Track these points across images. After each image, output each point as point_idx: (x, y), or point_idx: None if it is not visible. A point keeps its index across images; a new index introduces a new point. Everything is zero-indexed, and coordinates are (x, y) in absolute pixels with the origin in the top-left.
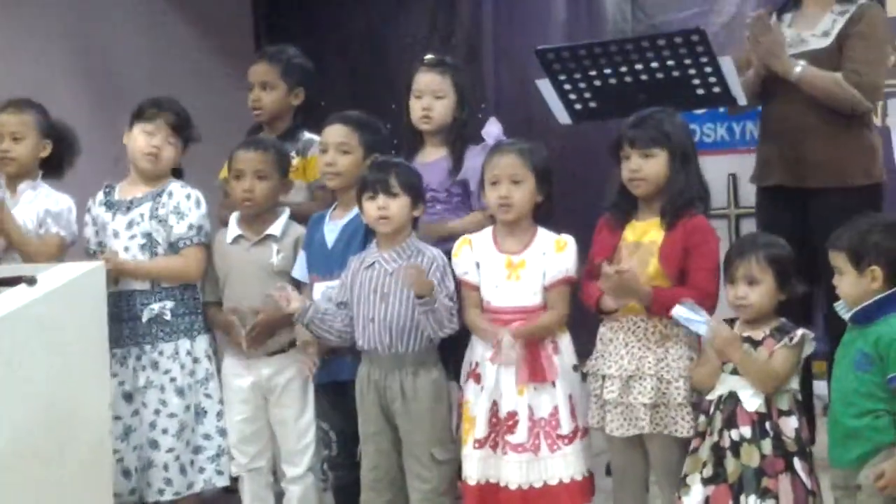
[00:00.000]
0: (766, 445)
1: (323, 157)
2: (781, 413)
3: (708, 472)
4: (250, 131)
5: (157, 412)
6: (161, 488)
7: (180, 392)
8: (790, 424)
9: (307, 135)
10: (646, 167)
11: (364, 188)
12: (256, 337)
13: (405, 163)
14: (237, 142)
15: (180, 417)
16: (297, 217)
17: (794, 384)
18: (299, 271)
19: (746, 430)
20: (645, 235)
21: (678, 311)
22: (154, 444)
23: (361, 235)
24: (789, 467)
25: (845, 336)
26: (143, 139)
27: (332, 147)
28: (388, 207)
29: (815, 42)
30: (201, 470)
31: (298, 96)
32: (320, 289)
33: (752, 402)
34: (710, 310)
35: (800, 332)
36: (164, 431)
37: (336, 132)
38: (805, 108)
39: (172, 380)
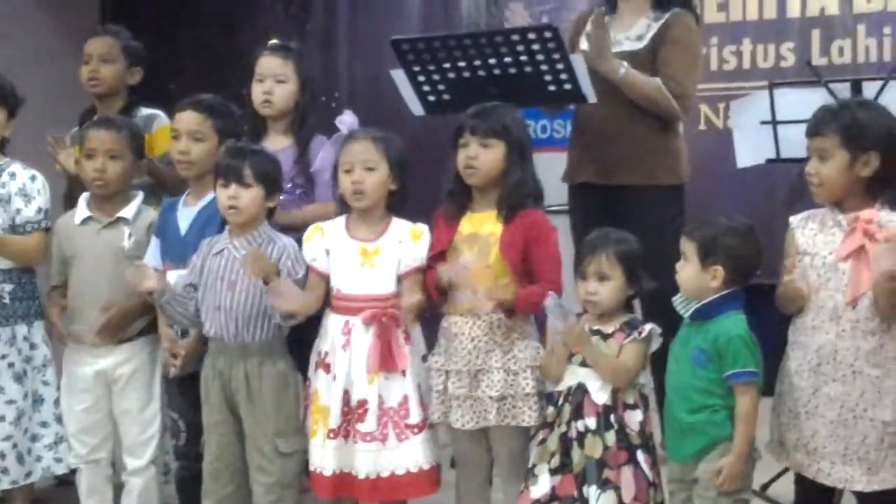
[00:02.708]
0: (610, 437)
1: (176, 145)
2: (627, 406)
3: (555, 462)
4: (84, 113)
5: None
6: None
7: (18, 378)
8: (635, 418)
9: (145, 110)
10: (483, 156)
11: (217, 174)
12: (108, 331)
13: (263, 150)
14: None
15: (18, 404)
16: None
17: (642, 378)
18: (152, 258)
19: (592, 422)
20: (482, 227)
21: (553, 301)
22: None
23: (217, 222)
24: (632, 459)
25: (682, 332)
26: None
27: (185, 135)
28: (239, 198)
29: (629, 44)
30: (39, 458)
31: (135, 75)
32: (173, 277)
33: (599, 394)
34: None
35: (648, 326)
36: (2, 419)
37: (189, 119)
38: (616, 109)
39: (10, 365)
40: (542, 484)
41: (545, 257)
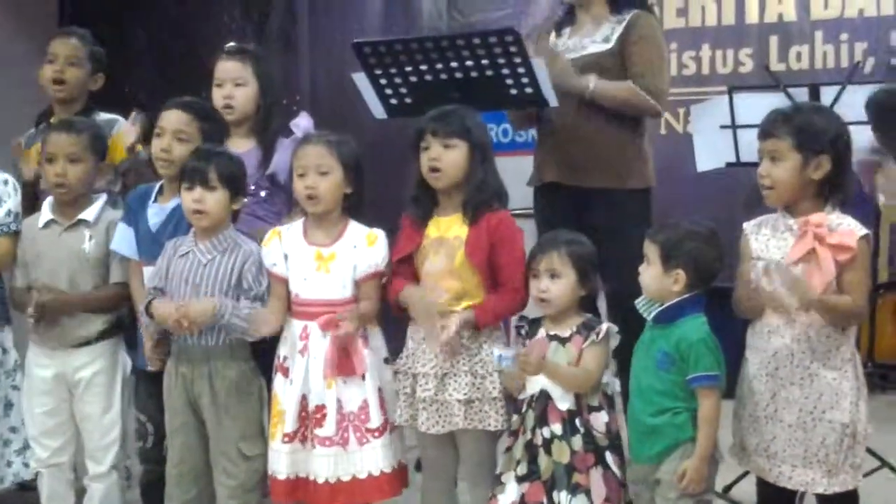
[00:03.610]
0: (577, 442)
1: (157, 142)
2: (591, 409)
3: (522, 469)
4: (41, 115)
5: None
6: None
7: None
8: (600, 419)
9: (104, 115)
10: (445, 157)
11: (182, 177)
12: (45, 315)
13: (228, 152)
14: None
15: None
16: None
17: (605, 377)
18: (126, 246)
19: (557, 428)
20: (448, 231)
21: (503, 363)
22: None
23: (187, 223)
24: (600, 461)
25: (645, 334)
26: None
27: (169, 133)
28: (204, 201)
29: (594, 47)
30: (9, 464)
31: (97, 81)
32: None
33: (562, 401)
34: (524, 306)
35: (604, 326)
36: None
37: (175, 118)
38: (584, 112)
39: None
40: (510, 492)
41: (509, 260)
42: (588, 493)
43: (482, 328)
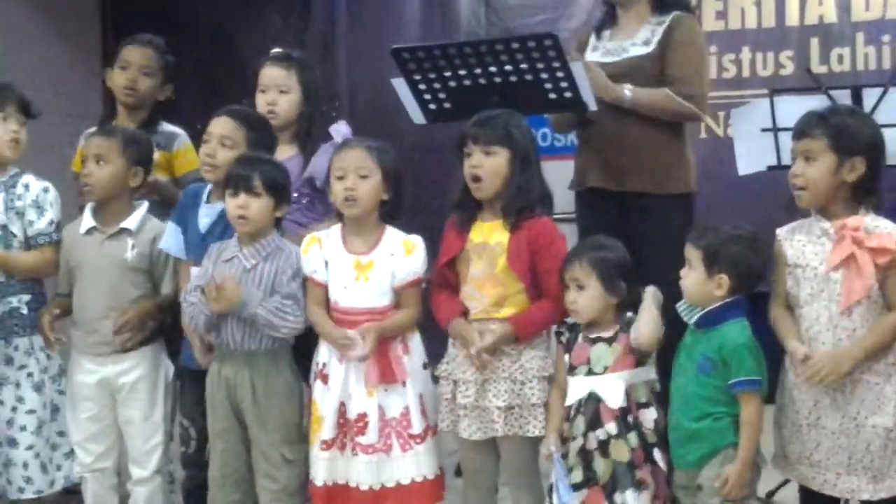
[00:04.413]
0: (633, 439)
1: (204, 148)
2: (640, 406)
3: (577, 476)
4: (103, 119)
5: (14, 409)
6: (21, 486)
7: (38, 388)
8: (649, 416)
9: (168, 126)
10: (486, 164)
11: (227, 183)
12: (126, 332)
13: (273, 160)
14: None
15: (39, 414)
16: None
17: (652, 374)
18: (174, 245)
19: (612, 427)
20: (491, 236)
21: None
22: (12, 442)
23: None
24: (649, 458)
25: (687, 338)
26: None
27: (215, 138)
28: (248, 207)
29: (635, 50)
30: (59, 467)
31: (166, 92)
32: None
33: (614, 399)
34: (564, 313)
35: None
36: (23, 428)
37: (222, 125)
38: (625, 116)
39: (29, 375)
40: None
41: (549, 267)
42: (649, 489)
43: (522, 341)
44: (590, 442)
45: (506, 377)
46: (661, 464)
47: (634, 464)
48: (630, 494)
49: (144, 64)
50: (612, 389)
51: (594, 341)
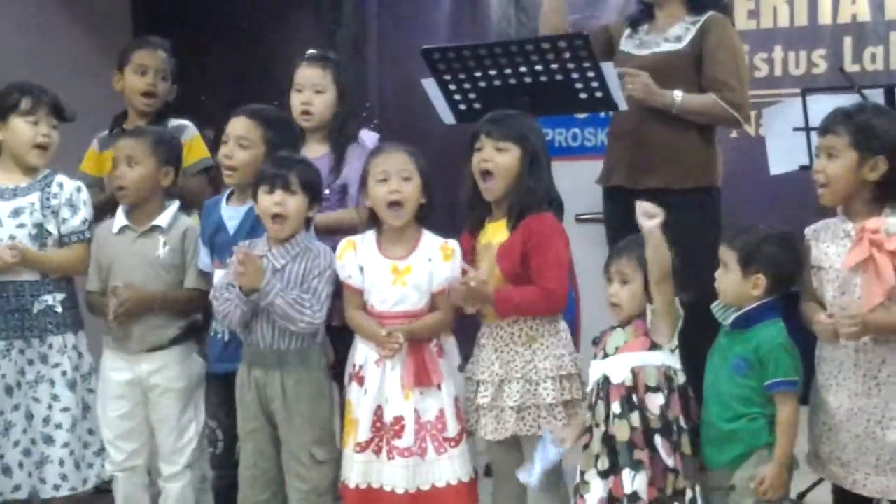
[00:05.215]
0: (635, 418)
1: (223, 149)
2: (648, 389)
3: (603, 464)
4: (116, 119)
5: (49, 407)
6: (57, 484)
7: (71, 386)
8: (655, 401)
9: (175, 121)
10: (497, 158)
11: (261, 181)
12: (124, 313)
13: (306, 160)
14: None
15: (73, 412)
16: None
17: (669, 361)
18: (204, 262)
19: (616, 406)
20: (494, 237)
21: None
22: (48, 440)
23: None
24: (650, 443)
25: (721, 339)
26: (29, 130)
27: (232, 139)
28: (285, 204)
29: (667, 45)
30: (90, 465)
31: (173, 92)
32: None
33: (617, 375)
34: (557, 308)
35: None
36: (59, 426)
37: (238, 125)
38: (650, 114)
39: (63, 373)
40: (595, 489)
41: (542, 263)
42: (646, 472)
43: (501, 316)
44: (612, 427)
45: (519, 377)
46: (662, 451)
47: (634, 443)
48: (627, 473)
49: (161, 68)
50: (617, 367)
51: (614, 328)
